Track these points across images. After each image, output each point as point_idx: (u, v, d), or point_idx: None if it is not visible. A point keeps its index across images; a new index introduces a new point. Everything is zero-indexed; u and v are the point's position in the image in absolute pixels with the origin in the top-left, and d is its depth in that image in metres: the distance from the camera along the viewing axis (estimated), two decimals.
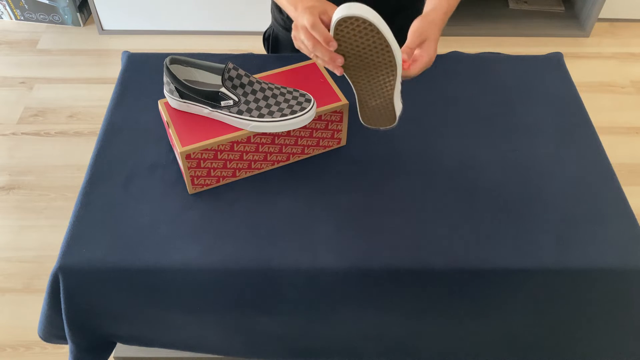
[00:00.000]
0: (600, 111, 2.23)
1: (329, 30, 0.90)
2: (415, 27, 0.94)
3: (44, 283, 1.70)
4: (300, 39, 0.94)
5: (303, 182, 1.05)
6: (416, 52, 0.95)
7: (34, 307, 1.66)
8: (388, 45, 0.88)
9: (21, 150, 2.08)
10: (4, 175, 2.00)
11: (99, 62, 2.41)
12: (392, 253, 0.95)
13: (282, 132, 1.02)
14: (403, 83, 0.97)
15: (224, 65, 1.01)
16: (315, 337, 1.07)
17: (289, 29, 1.29)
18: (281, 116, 0.98)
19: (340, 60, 0.91)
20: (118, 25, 2.50)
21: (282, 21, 1.31)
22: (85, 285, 0.97)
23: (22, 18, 2.58)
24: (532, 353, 1.09)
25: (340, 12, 0.86)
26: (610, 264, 0.95)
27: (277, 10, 1.33)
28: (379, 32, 0.86)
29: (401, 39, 0.95)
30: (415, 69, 0.94)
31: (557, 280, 0.96)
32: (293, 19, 0.97)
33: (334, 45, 0.89)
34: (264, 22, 1.47)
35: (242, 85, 0.98)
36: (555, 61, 1.28)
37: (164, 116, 1.03)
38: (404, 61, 0.94)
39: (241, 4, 2.42)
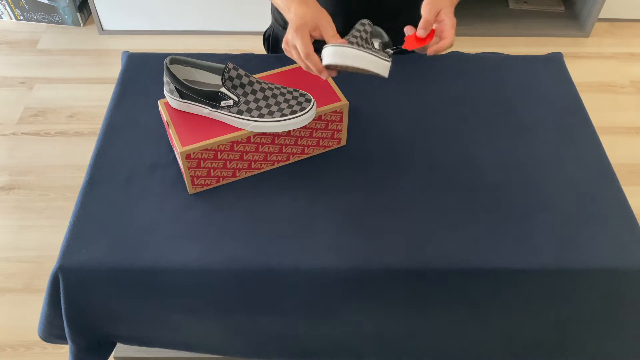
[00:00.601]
0: (600, 111, 2.23)
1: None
2: (426, 1, 0.98)
3: (44, 283, 1.70)
4: (293, 56, 0.99)
5: (303, 182, 1.05)
6: (436, 25, 0.98)
7: (34, 307, 1.66)
8: (375, 73, 0.95)
9: (21, 150, 2.08)
10: (4, 175, 2.00)
11: (99, 62, 2.41)
12: (392, 253, 0.95)
13: (282, 132, 1.02)
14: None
15: (224, 65, 1.01)
16: (315, 337, 1.07)
17: None
18: (281, 116, 0.98)
19: (333, 73, 0.98)
20: (118, 25, 2.50)
21: (282, 21, 1.31)
22: (85, 285, 0.97)
23: (22, 18, 2.58)
24: (532, 353, 1.09)
25: (325, 59, 0.94)
26: (610, 264, 0.95)
27: (277, 10, 1.33)
28: (363, 69, 0.93)
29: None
30: (449, 38, 0.96)
31: (557, 280, 0.96)
32: (288, 20, 0.99)
33: (325, 75, 0.97)
34: (264, 22, 1.47)
35: (242, 85, 0.98)
36: (555, 61, 1.28)
37: (164, 116, 1.03)
38: (422, 39, 0.98)
39: (241, 4, 2.42)
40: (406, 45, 0.99)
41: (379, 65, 0.94)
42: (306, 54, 0.95)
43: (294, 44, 0.96)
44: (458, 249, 0.96)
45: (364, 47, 0.95)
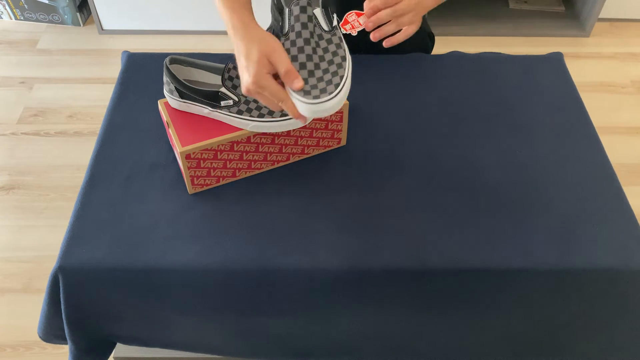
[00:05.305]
0: (600, 111, 2.23)
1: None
2: None
3: (43, 283, 1.70)
4: (261, 100, 0.88)
5: (303, 182, 1.05)
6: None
7: (34, 307, 1.66)
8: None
9: (21, 150, 2.08)
10: (4, 175, 2.00)
11: (99, 62, 2.41)
12: (392, 253, 0.95)
13: (282, 132, 1.02)
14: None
15: (224, 65, 1.01)
16: (315, 337, 1.07)
17: None
18: (281, 116, 0.98)
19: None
20: (118, 25, 2.50)
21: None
22: (85, 285, 0.97)
23: (22, 18, 2.58)
24: (532, 353, 1.09)
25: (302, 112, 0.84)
26: (610, 264, 0.95)
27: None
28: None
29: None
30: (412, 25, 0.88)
31: (557, 280, 0.96)
32: (234, 46, 0.88)
33: (304, 120, 0.89)
34: (264, 22, 1.47)
35: None
36: (555, 61, 1.28)
37: (164, 116, 1.03)
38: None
39: None
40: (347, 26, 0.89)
41: (348, 85, 0.86)
42: (281, 100, 0.84)
43: (259, 91, 0.84)
44: (458, 249, 0.96)
45: (318, 54, 0.86)
